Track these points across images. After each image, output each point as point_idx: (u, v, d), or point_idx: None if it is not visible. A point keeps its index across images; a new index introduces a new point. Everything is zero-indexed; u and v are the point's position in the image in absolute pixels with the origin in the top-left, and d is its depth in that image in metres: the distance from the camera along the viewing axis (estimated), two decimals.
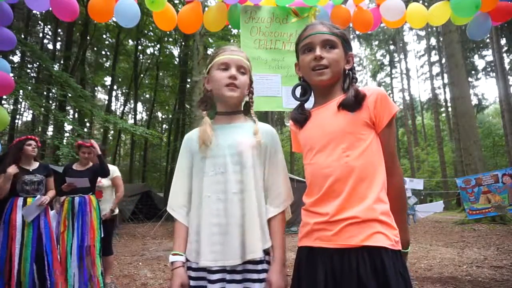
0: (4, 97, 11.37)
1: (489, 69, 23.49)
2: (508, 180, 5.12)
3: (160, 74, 21.75)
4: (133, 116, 23.33)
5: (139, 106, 28.91)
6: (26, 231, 2.89)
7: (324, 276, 0.97)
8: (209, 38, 13.83)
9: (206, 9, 2.85)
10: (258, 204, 1.12)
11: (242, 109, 1.27)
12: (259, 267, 1.09)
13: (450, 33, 10.59)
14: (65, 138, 10.11)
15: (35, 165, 3.12)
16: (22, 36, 11.93)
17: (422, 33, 28.09)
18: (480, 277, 3.82)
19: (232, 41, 14.03)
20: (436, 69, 28.10)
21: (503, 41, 19.30)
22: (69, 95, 9.71)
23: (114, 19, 2.69)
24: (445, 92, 25.97)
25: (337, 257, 0.96)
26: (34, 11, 12.89)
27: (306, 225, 1.07)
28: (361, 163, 1.00)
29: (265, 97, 2.42)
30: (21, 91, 8.50)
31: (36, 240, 2.92)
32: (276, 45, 2.53)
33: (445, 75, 22.69)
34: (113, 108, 25.48)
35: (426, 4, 8.93)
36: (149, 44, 20.95)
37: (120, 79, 22.60)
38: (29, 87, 8.94)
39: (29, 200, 2.95)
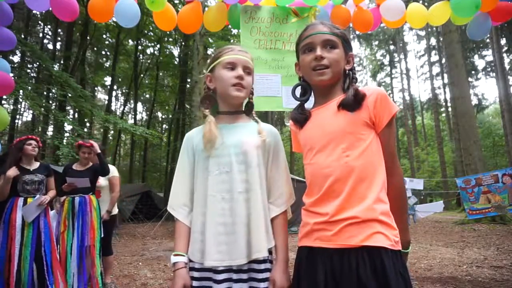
0: (4, 97, 11.37)
1: (489, 69, 23.50)
2: (508, 180, 5.12)
3: (160, 74, 21.75)
4: (133, 116, 23.35)
5: (139, 106, 28.95)
6: (26, 231, 2.89)
7: (324, 276, 0.97)
8: (209, 38, 13.83)
9: (206, 9, 2.85)
10: (263, 203, 1.13)
11: (243, 109, 1.27)
12: (262, 266, 1.10)
13: (450, 33, 10.59)
14: (65, 138, 10.11)
15: (36, 165, 3.12)
16: (22, 36, 11.93)
17: (422, 33, 28.10)
18: (480, 277, 3.82)
19: (232, 41, 14.02)
20: (436, 69, 28.15)
21: (503, 41, 19.31)
22: (69, 95, 9.71)
23: (114, 19, 2.69)
24: (445, 92, 25.99)
25: (337, 257, 0.96)
26: (34, 11, 12.89)
27: (306, 225, 1.07)
28: (361, 163, 1.00)
29: (265, 97, 2.42)
30: (21, 91, 8.51)
31: (36, 240, 2.92)
32: (276, 45, 2.53)
33: (445, 75, 22.69)
34: (113, 108, 25.50)
35: (426, 4, 8.93)
36: (149, 44, 20.96)
37: (120, 79, 22.60)
38: (29, 87, 8.94)
39: (29, 200, 2.95)
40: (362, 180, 0.99)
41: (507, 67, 19.35)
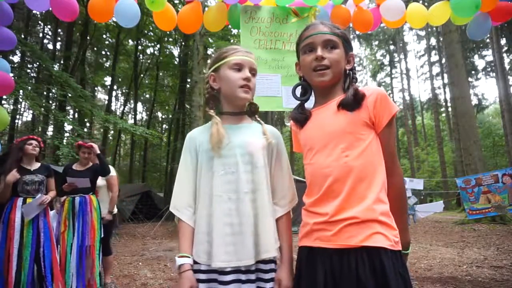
0: (4, 97, 11.37)
1: (489, 69, 23.50)
2: (508, 180, 5.12)
3: (160, 74, 21.75)
4: (133, 116, 23.35)
5: (139, 106, 28.95)
6: (26, 231, 2.89)
7: (324, 276, 0.97)
8: (209, 38, 13.83)
9: (206, 9, 2.85)
10: (270, 203, 1.13)
11: (245, 110, 1.26)
12: (269, 266, 1.10)
13: (450, 33, 10.59)
14: (65, 138, 10.11)
15: (36, 165, 3.12)
16: (22, 36, 11.93)
17: (422, 33, 28.10)
18: (480, 277, 3.82)
19: (232, 41, 14.03)
20: (436, 69, 28.15)
21: (503, 41, 19.31)
22: (69, 95, 9.70)
23: (114, 19, 2.69)
24: (445, 92, 25.99)
25: (336, 257, 0.96)
26: (34, 11, 12.89)
27: (306, 225, 1.07)
28: (361, 163, 1.00)
29: (265, 97, 2.42)
30: (21, 91, 8.50)
31: (35, 240, 2.91)
32: (276, 45, 2.53)
33: (445, 75, 22.69)
34: (113, 108, 25.50)
35: (426, 4, 8.93)
36: (149, 44, 20.96)
37: (120, 79, 22.60)
38: (29, 87, 8.94)
39: (28, 200, 2.95)
40: (361, 180, 0.99)
41: (507, 67, 19.36)
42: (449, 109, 24.51)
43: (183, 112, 17.37)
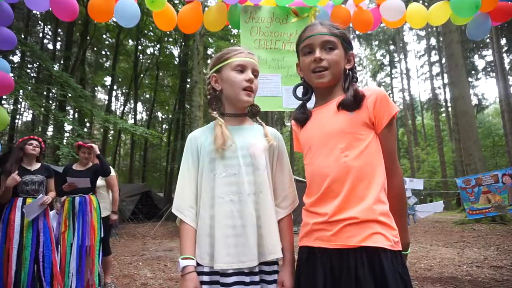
0: (4, 97, 11.37)
1: (489, 69, 23.49)
2: (508, 180, 5.12)
3: (160, 74, 21.76)
4: (133, 116, 23.34)
5: (139, 106, 28.96)
6: (25, 231, 2.89)
7: (323, 276, 0.97)
8: (209, 38, 13.84)
9: (206, 9, 2.85)
10: (272, 205, 1.14)
11: (246, 111, 1.26)
12: (272, 268, 1.10)
13: (450, 33, 10.59)
14: (65, 138, 10.10)
15: (37, 165, 3.12)
16: (22, 36, 11.93)
17: (422, 33, 28.10)
18: (480, 277, 3.82)
19: (232, 41, 14.03)
20: (436, 69, 28.14)
21: (503, 41, 19.32)
22: (69, 95, 9.70)
23: (114, 19, 2.69)
24: (445, 92, 25.99)
25: (336, 257, 0.96)
26: (34, 11, 12.88)
27: (306, 225, 1.08)
28: (360, 163, 1.00)
29: (265, 97, 2.42)
30: (21, 91, 8.50)
31: (35, 240, 2.91)
32: (276, 45, 2.52)
33: (445, 75, 22.69)
34: (113, 108, 25.51)
35: (426, 4, 8.93)
36: (149, 44, 20.97)
37: (120, 79, 22.61)
38: (29, 87, 8.93)
39: (28, 200, 2.95)
40: (360, 180, 0.99)
41: (507, 67, 19.35)
42: (449, 109, 24.52)
43: (183, 112, 17.39)
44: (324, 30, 1.10)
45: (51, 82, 10.24)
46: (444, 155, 22.94)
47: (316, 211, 1.04)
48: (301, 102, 1.22)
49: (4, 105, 14.66)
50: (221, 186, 1.09)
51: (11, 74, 3.13)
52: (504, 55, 19.16)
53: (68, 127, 11.36)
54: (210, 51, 15.32)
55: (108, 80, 22.36)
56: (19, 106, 17.96)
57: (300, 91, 1.24)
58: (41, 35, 17.21)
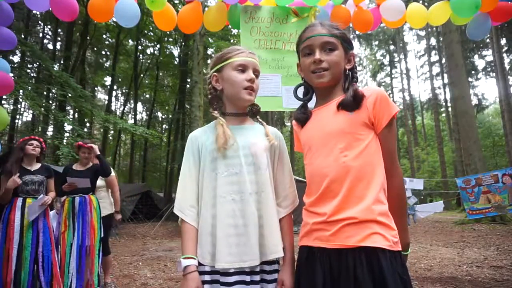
0: (4, 97, 11.37)
1: (489, 69, 23.49)
2: (508, 180, 5.12)
3: (160, 74, 21.76)
4: (133, 116, 23.35)
5: (139, 106, 28.96)
6: (25, 232, 2.89)
7: (323, 276, 0.97)
8: (209, 38, 13.85)
9: (206, 9, 2.85)
10: (274, 204, 1.14)
11: (247, 111, 1.26)
12: (272, 267, 1.10)
13: (450, 33, 10.59)
14: (65, 138, 10.10)
15: (37, 165, 3.13)
16: (22, 36, 11.93)
17: (422, 33, 28.10)
18: (480, 277, 3.82)
19: (232, 41, 14.04)
20: (436, 69, 28.15)
21: (503, 41, 19.32)
22: (69, 95, 9.70)
23: (114, 19, 2.69)
24: (445, 92, 25.99)
25: (335, 257, 0.97)
26: (34, 11, 12.88)
27: (306, 224, 1.08)
28: (359, 163, 1.00)
29: (265, 97, 2.41)
30: (21, 91, 8.49)
31: (35, 240, 2.91)
32: (276, 45, 2.52)
33: (445, 75, 22.69)
34: (113, 108, 25.52)
35: (426, 4, 8.93)
36: (149, 44, 20.98)
37: (120, 79, 22.61)
38: (29, 87, 8.92)
39: (28, 200, 2.95)
40: (359, 180, 0.99)
41: (507, 67, 19.36)
42: (449, 109, 24.52)
43: (183, 112, 17.39)
44: (324, 31, 1.10)
45: (51, 82, 10.24)
46: (444, 155, 22.94)
47: (315, 211, 1.05)
48: (301, 102, 1.22)
49: (4, 105, 14.66)
50: (223, 186, 1.10)
51: (11, 74, 3.13)
52: (504, 55, 19.16)
53: (68, 127, 11.36)
54: (210, 51, 15.33)
55: (108, 80, 22.39)
56: (19, 106, 17.97)
57: (301, 91, 1.24)
58: (41, 35, 17.21)
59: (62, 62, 14.82)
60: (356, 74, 1.15)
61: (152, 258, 5.66)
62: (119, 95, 29.38)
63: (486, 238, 6.82)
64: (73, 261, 3.03)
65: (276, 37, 2.53)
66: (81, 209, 3.14)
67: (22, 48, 9.34)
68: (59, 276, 2.97)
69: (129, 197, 11.68)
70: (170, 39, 19.21)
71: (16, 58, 13.39)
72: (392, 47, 30.48)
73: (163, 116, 28.50)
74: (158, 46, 19.93)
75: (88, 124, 17.48)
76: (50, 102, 12.11)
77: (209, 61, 1.28)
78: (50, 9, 2.46)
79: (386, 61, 31.91)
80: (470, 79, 22.82)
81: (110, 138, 22.99)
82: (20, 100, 14.09)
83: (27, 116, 22.62)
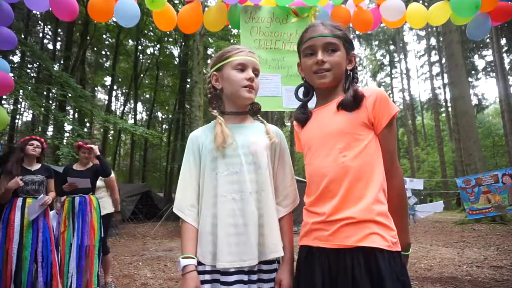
0: (4, 97, 11.37)
1: (489, 69, 23.50)
2: (508, 180, 5.11)
3: (160, 74, 21.76)
4: (133, 116, 23.34)
5: (139, 106, 28.96)
6: (25, 232, 2.89)
7: (322, 275, 0.97)
8: (209, 38, 13.84)
9: (206, 9, 2.85)
10: (274, 204, 1.14)
11: (247, 109, 1.26)
12: (271, 266, 1.10)
13: (450, 33, 10.59)
14: (65, 138, 10.10)
15: (37, 166, 3.13)
16: (22, 36, 11.93)
17: (422, 33, 28.10)
18: (480, 277, 3.82)
19: (232, 41, 14.04)
20: (436, 69, 28.15)
21: (503, 41, 19.32)
22: (69, 95, 9.70)
23: (114, 19, 2.69)
24: (445, 92, 25.99)
25: (333, 257, 0.97)
26: (34, 11, 12.88)
27: (306, 224, 1.08)
28: (358, 163, 1.00)
29: (265, 97, 2.41)
30: (21, 91, 8.50)
31: (35, 240, 2.92)
32: (276, 45, 2.52)
33: (445, 75, 22.68)
34: (113, 108, 25.52)
35: (426, 4, 8.93)
36: (149, 44, 20.98)
37: (120, 79, 22.61)
38: (29, 87, 8.92)
39: (28, 200, 2.96)
40: (358, 180, 0.99)
41: (507, 67, 19.36)
42: (449, 109, 24.52)
43: (183, 112, 17.39)
44: (326, 31, 1.09)
45: (51, 82, 10.24)
46: (444, 155, 22.94)
47: (314, 210, 1.05)
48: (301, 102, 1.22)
49: (4, 105, 14.66)
50: (223, 185, 1.09)
51: (11, 74, 3.13)
52: (504, 55, 19.17)
53: (68, 127, 11.35)
54: (210, 51, 15.33)
55: (108, 80, 22.39)
56: (19, 106, 17.97)
57: (301, 91, 1.24)
58: (41, 35, 17.21)
59: (62, 62, 14.82)
60: (356, 75, 1.15)
61: (152, 258, 5.66)
62: (119, 95, 29.42)
63: (486, 238, 6.82)
64: (72, 261, 3.03)
65: (276, 37, 2.53)
66: (81, 209, 3.14)
67: (22, 48, 9.34)
68: (59, 276, 2.97)
69: (129, 197, 11.69)
70: (170, 39, 19.21)
71: (16, 58, 13.41)
72: (392, 47, 30.48)
73: (163, 116, 28.51)
74: (158, 46, 19.93)
75: (88, 124, 17.48)
76: (50, 102, 12.11)
77: (209, 61, 1.29)
78: (50, 9, 2.46)
79: (386, 61, 31.91)
80: (470, 79, 22.82)
81: (110, 138, 22.99)
82: (20, 100, 14.09)
83: (27, 116, 22.65)
